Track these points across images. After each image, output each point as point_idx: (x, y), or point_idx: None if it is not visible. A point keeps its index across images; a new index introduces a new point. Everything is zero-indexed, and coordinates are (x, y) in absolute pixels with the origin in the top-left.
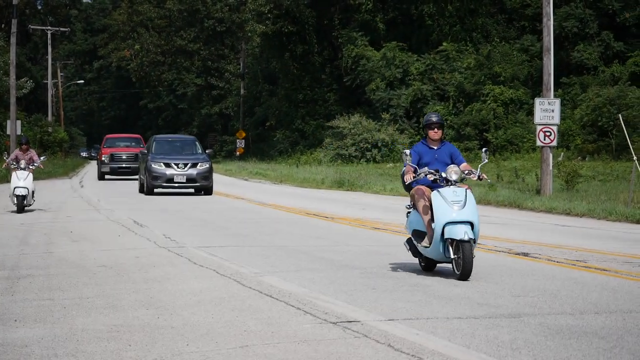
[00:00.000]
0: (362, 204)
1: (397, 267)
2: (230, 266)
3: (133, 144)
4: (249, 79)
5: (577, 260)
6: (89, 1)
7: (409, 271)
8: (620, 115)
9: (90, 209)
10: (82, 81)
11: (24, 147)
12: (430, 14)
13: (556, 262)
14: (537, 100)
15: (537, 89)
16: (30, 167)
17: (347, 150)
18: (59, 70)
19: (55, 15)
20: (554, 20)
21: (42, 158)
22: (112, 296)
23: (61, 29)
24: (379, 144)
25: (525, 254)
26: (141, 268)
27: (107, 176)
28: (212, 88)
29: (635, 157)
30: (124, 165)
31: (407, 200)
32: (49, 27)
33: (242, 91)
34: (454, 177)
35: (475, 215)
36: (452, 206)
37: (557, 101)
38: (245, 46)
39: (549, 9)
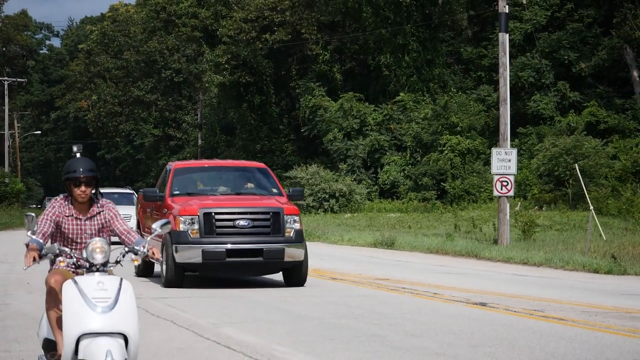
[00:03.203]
0: (320, 254)
1: (354, 318)
2: (188, 317)
3: (254, 187)
4: (207, 129)
5: (535, 310)
6: (46, 52)
7: (366, 321)
8: (576, 165)
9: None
10: (39, 132)
11: (80, 192)
12: (387, 65)
13: (514, 311)
14: (494, 150)
15: (493, 139)
16: (122, 257)
17: (304, 200)
18: (15, 121)
19: (12, 66)
20: (511, 71)
21: (159, 225)
22: None
23: (18, 79)
24: (337, 194)
25: (483, 304)
26: None
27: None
28: (170, 139)
29: (592, 207)
30: (243, 247)
31: (367, 251)
32: (6, 78)
33: (199, 142)
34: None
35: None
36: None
37: (514, 151)
38: (202, 97)
39: (505, 60)
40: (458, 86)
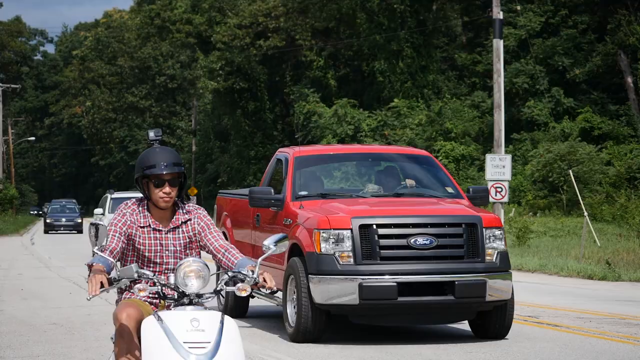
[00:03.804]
0: None
1: (350, 324)
2: None
3: (415, 185)
4: (201, 135)
5: (529, 316)
6: (40, 58)
7: (361, 327)
8: (570, 171)
9: (41, 267)
10: (33, 138)
11: (164, 194)
12: (381, 71)
13: None
14: (488, 157)
15: (488, 145)
16: (224, 284)
17: None
18: (10, 127)
19: (6, 72)
20: (505, 77)
21: (273, 241)
22: (64, 354)
23: (12, 85)
24: None
25: None
26: (92, 325)
27: None
28: (164, 144)
29: (586, 213)
30: (424, 279)
31: None
32: (0, 84)
33: (193, 148)
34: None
35: None
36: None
37: (508, 157)
38: (196, 103)
39: (499, 66)
40: (452, 92)
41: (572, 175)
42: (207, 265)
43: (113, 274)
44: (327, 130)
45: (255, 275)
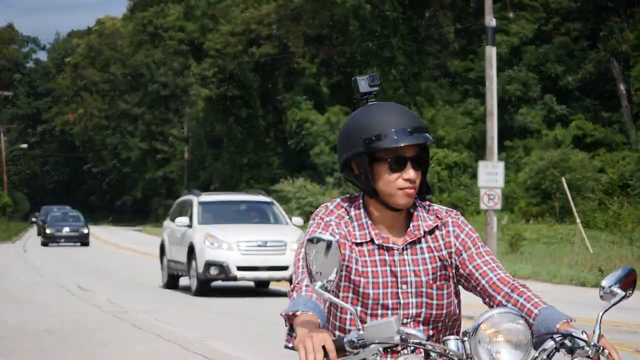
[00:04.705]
0: None
1: None
2: (176, 331)
3: None
4: (193, 142)
5: None
6: (33, 65)
7: None
8: (563, 178)
9: (35, 274)
10: (25, 145)
11: (406, 183)
12: None
13: None
14: (481, 164)
15: (480, 152)
16: (546, 357)
17: (291, 214)
18: (2, 135)
19: None
20: (498, 84)
21: (617, 278)
22: None
23: (4, 92)
24: None
25: (470, 317)
26: (86, 332)
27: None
28: (156, 152)
29: (578, 220)
30: None
31: None
32: None
33: (186, 155)
34: None
35: None
36: None
37: (501, 164)
38: (189, 110)
39: (492, 73)
40: (445, 99)
41: (564, 183)
42: (527, 322)
43: (356, 339)
44: (319, 138)
45: (595, 341)
